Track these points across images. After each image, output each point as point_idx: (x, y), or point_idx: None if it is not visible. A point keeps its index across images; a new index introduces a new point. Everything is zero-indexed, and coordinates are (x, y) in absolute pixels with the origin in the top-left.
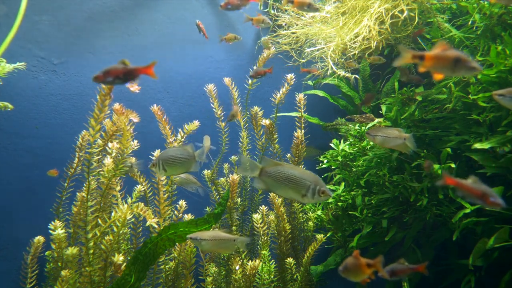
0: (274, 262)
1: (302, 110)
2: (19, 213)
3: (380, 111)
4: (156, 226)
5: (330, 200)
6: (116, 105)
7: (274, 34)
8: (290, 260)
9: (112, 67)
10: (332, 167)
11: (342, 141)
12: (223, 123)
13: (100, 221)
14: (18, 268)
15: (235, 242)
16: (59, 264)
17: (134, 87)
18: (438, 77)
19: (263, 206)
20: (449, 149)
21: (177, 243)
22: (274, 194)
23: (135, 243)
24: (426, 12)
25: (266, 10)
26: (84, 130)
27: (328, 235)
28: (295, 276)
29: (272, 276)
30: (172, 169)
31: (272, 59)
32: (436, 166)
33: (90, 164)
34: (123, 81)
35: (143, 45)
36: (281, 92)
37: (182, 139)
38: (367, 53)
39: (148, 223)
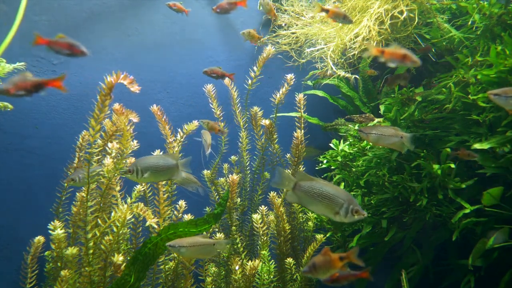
0: (273, 262)
1: (302, 110)
2: (19, 213)
3: (379, 111)
4: (156, 226)
5: None
6: (116, 105)
7: (274, 34)
8: (289, 260)
9: (20, 78)
10: (332, 167)
11: (341, 141)
12: (222, 123)
13: (99, 221)
14: (18, 268)
15: (215, 246)
16: (59, 264)
17: (134, 87)
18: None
19: (262, 206)
20: (448, 149)
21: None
22: (274, 194)
23: (134, 243)
24: (426, 12)
25: None
26: (84, 130)
27: (327, 235)
28: (294, 276)
29: (271, 276)
30: (151, 177)
31: (272, 59)
32: (435, 166)
33: (90, 164)
34: (30, 94)
35: (143, 45)
36: (281, 92)
37: (182, 139)
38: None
39: (147, 223)
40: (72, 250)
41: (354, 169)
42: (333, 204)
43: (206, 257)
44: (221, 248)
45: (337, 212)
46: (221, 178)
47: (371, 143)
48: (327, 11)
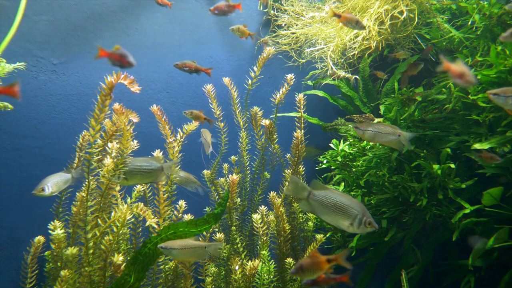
0: (273, 262)
1: (302, 110)
2: (19, 213)
3: (380, 111)
4: (156, 226)
5: None
6: (116, 105)
7: (274, 35)
8: (289, 260)
9: None
10: (332, 167)
11: (341, 141)
12: (222, 123)
13: (99, 221)
14: (18, 268)
15: (206, 249)
16: (59, 264)
17: (134, 87)
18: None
19: (262, 206)
20: (448, 149)
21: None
22: (274, 194)
23: (134, 243)
24: (425, 12)
25: (265, 10)
26: (84, 130)
27: (327, 235)
28: (294, 277)
29: (271, 276)
30: (134, 179)
31: (272, 59)
32: (435, 166)
33: (90, 164)
34: None
35: (142, 45)
36: (281, 92)
37: (182, 139)
38: (367, 53)
39: (147, 223)
40: (72, 250)
41: (354, 169)
42: (347, 215)
43: (197, 260)
44: (212, 251)
45: (351, 223)
46: (221, 178)
47: (367, 140)
48: (339, 16)
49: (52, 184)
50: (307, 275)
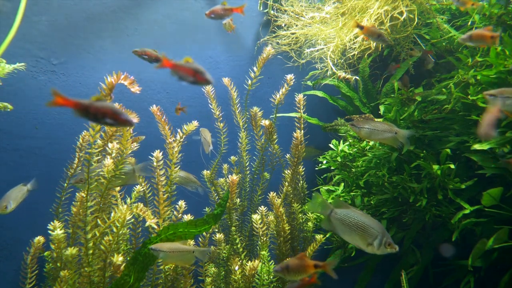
0: (273, 263)
1: (302, 111)
2: (19, 213)
3: (379, 112)
4: (156, 227)
5: (330, 200)
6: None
7: (274, 35)
8: None
9: None
10: (332, 168)
11: (341, 141)
12: (221, 123)
13: (99, 222)
14: (17, 268)
15: (194, 253)
16: (58, 264)
17: (134, 87)
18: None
19: (262, 206)
20: (448, 150)
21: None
22: (274, 195)
23: (134, 244)
24: (425, 12)
25: (265, 10)
26: (84, 131)
27: (327, 235)
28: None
29: (271, 277)
30: (112, 182)
31: (272, 60)
32: (435, 167)
33: (90, 164)
34: None
35: (142, 45)
36: (280, 92)
37: (181, 140)
38: (366, 54)
39: (147, 224)
40: (71, 251)
41: (353, 170)
42: (367, 235)
43: (184, 265)
44: (201, 256)
45: (370, 243)
46: (221, 179)
47: (363, 138)
48: (362, 27)
49: (13, 200)
50: (291, 276)
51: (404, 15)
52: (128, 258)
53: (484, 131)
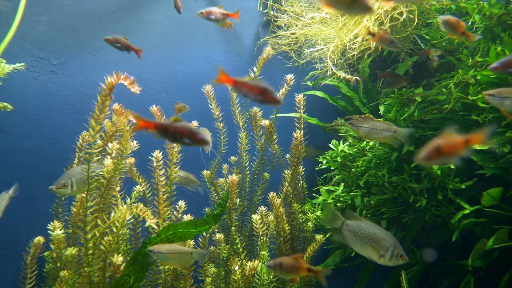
0: None
1: (302, 111)
2: (18, 214)
3: (379, 112)
4: (156, 227)
5: (329, 200)
6: (116, 106)
7: (274, 35)
8: None
9: None
10: (332, 168)
11: (341, 141)
12: (221, 123)
13: (99, 222)
14: (17, 268)
15: (192, 255)
16: (58, 264)
17: (135, 88)
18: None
19: (262, 206)
20: None
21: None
22: (274, 195)
23: (134, 244)
24: (425, 12)
25: (265, 11)
26: (84, 131)
27: (327, 235)
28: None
29: (271, 277)
30: (85, 186)
31: (272, 60)
32: (435, 167)
33: (90, 164)
34: None
35: (142, 45)
36: (280, 92)
37: None
38: (366, 54)
39: (147, 224)
40: (71, 251)
41: (353, 170)
42: (379, 247)
43: (182, 267)
44: (199, 258)
45: (382, 255)
46: (221, 179)
47: (362, 137)
48: (373, 34)
49: None
50: (282, 274)
51: (404, 16)
52: (128, 258)
53: (420, 158)
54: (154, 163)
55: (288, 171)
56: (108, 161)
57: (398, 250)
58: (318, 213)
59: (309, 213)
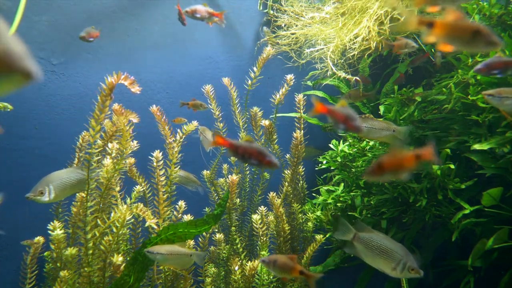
0: None
1: (302, 111)
2: (18, 214)
3: (379, 112)
4: (156, 227)
5: (329, 201)
6: (116, 106)
7: (274, 35)
8: None
9: None
10: (332, 168)
11: (341, 141)
12: (221, 123)
13: (99, 222)
14: (17, 268)
15: (191, 257)
16: (58, 264)
17: (135, 88)
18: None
19: (262, 206)
20: (448, 150)
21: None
22: (274, 195)
23: (134, 244)
24: (425, 13)
25: (265, 10)
26: (84, 131)
27: (327, 236)
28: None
29: (271, 277)
30: (65, 192)
31: (272, 60)
32: (435, 167)
33: (90, 164)
34: None
35: (142, 45)
36: (280, 92)
37: (181, 140)
38: (366, 54)
39: (147, 224)
40: (71, 251)
41: (353, 170)
42: (391, 259)
43: (181, 268)
44: (198, 260)
45: (394, 268)
46: (221, 179)
47: (361, 137)
48: (392, 46)
49: None
50: (275, 271)
51: (404, 16)
52: (128, 258)
53: (365, 174)
54: (154, 163)
55: (288, 171)
56: (107, 161)
57: (410, 263)
58: (318, 213)
59: (309, 213)
